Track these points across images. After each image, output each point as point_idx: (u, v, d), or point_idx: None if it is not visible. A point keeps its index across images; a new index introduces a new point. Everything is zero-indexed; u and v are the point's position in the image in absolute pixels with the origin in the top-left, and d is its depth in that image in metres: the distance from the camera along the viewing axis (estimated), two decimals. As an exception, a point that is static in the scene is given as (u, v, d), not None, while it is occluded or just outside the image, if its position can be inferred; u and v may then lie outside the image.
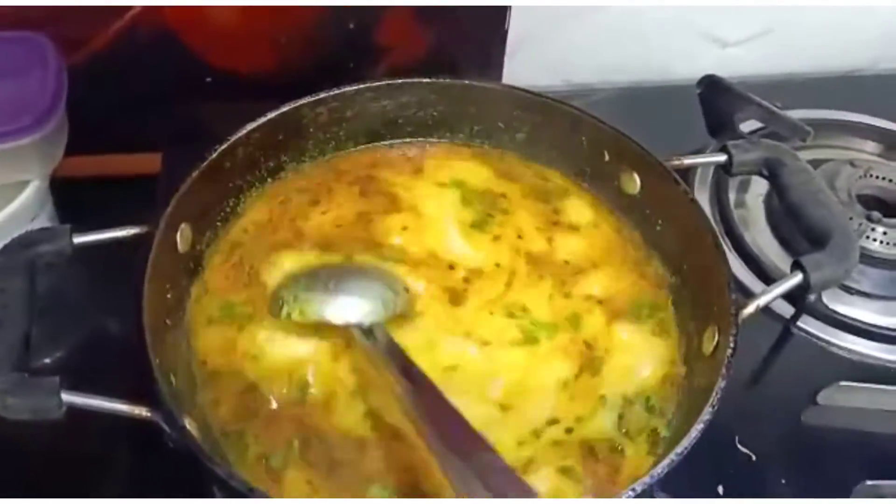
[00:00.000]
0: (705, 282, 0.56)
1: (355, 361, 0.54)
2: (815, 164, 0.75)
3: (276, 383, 0.53)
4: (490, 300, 0.58)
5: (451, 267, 0.60)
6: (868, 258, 0.71)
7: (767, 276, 0.70)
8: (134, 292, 0.50)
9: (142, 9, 0.69)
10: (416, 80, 0.65)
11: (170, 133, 0.72)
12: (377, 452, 0.51)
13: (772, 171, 0.60)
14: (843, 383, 0.66)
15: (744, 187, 0.79)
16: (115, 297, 0.53)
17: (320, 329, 0.55)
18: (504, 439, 0.51)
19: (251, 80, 0.75)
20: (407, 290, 0.58)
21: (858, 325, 0.69)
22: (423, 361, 0.51)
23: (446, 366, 0.54)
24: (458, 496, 0.42)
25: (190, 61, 0.73)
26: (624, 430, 0.52)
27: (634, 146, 0.61)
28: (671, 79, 0.88)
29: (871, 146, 0.84)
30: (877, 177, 0.78)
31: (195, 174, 0.57)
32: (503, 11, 0.77)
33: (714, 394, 0.48)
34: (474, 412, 0.48)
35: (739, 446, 0.61)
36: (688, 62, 0.86)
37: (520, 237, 0.62)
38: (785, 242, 0.74)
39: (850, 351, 0.69)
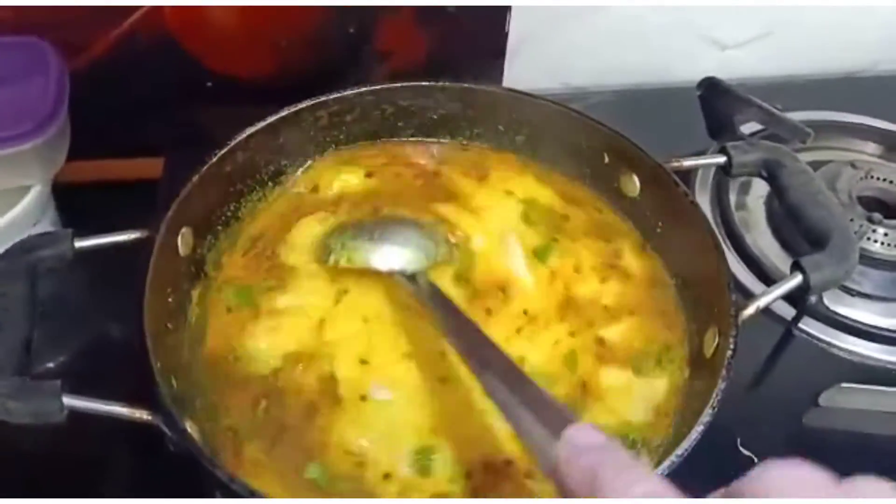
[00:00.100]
0: (706, 284, 0.56)
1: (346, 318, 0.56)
2: (816, 165, 0.75)
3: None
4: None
5: (503, 290, 0.58)
6: (869, 260, 0.71)
7: (769, 278, 0.70)
8: (135, 296, 0.50)
9: (142, 15, 0.69)
10: (416, 83, 0.65)
11: (171, 138, 0.73)
12: (322, 421, 0.51)
13: (771, 173, 0.60)
14: (844, 385, 0.65)
15: (745, 189, 0.79)
16: (116, 301, 0.53)
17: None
18: None
19: (251, 85, 0.75)
20: (448, 241, 0.59)
21: (860, 326, 0.69)
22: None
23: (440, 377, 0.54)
24: (509, 423, 0.42)
25: (190, 66, 0.73)
26: None
27: (634, 148, 0.61)
28: (671, 81, 0.88)
29: (871, 147, 0.84)
30: (877, 178, 0.78)
31: (196, 178, 0.57)
32: (503, 14, 0.77)
33: (714, 395, 0.48)
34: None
35: (741, 448, 0.61)
36: (688, 64, 0.86)
37: (576, 271, 0.60)
38: (786, 244, 0.74)
39: (851, 352, 0.69)
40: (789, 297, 0.60)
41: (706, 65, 0.83)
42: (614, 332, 0.57)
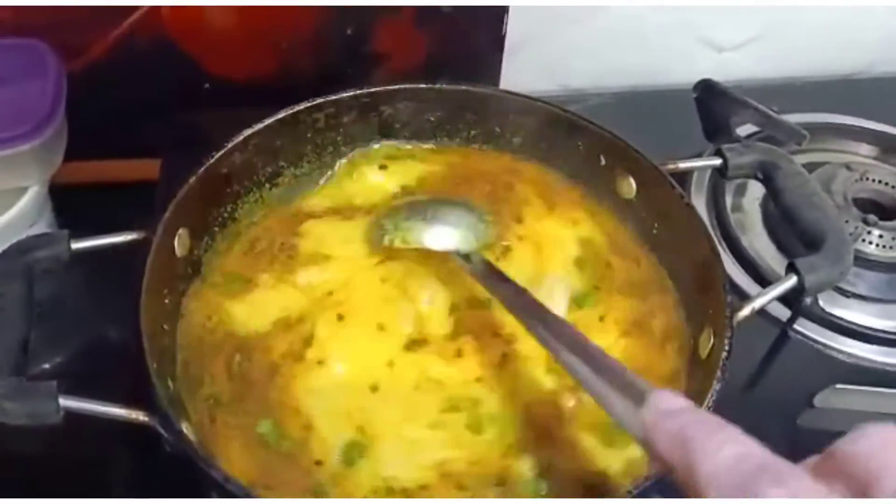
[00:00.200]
0: (701, 285, 0.56)
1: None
2: (812, 167, 0.76)
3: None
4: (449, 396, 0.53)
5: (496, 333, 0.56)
6: (864, 261, 0.71)
7: (764, 280, 0.70)
8: (132, 297, 0.51)
9: (140, 16, 0.70)
10: (413, 85, 0.65)
11: (169, 139, 0.73)
12: (281, 380, 0.53)
13: (766, 175, 0.61)
14: (839, 386, 0.66)
15: (740, 191, 0.79)
16: (113, 302, 0.53)
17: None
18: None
19: (249, 87, 0.75)
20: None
21: (855, 327, 0.69)
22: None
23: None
24: (591, 395, 0.42)
25: (188, 68, 0.73)
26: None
27: (630, 150, 0.61)
28: (668, 83, 0.89)
29: (866, 149, 0.84)
30: (873, 180, 0.78)
31: (193, 180, 0.57)
32: (501, 16, 0.77)
33: (709, 396, 0.49)
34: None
35: (736, 449, 0.61)
36: (684, 66, 0.87)
37: (601, 320, 0.57)
38: (782, 246, 0.74)
39: (846, 354, 0.69)
40: (784, 299, 0.60)
41: (703, 67, 0.84)
42: None
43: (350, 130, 0.65)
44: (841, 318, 0.70)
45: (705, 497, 0.31)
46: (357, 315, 0.56)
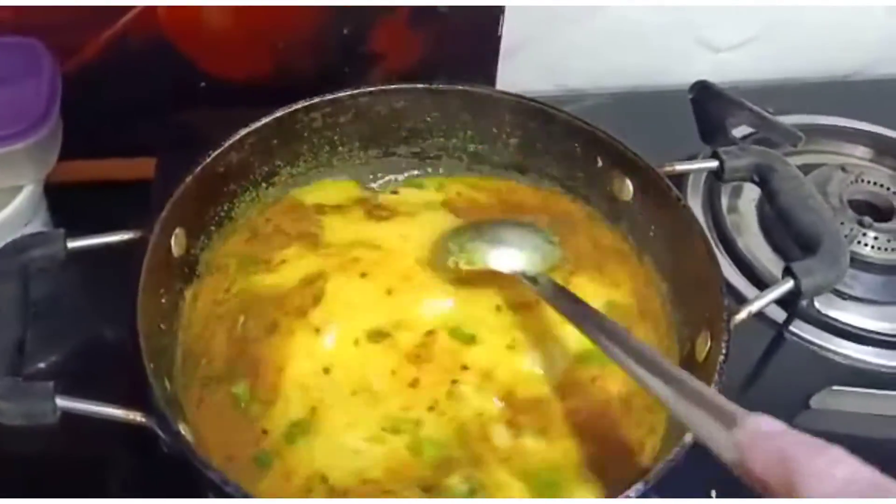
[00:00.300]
0: (698, 288, 0.56)
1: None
2: (807, 169, 0.76)
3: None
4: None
5: (465, 368, 0.55)
6: (860, 263, 0.72)
7: (760, 282, 0.70)
8: (128, 297, 0.50)
9: (135, 16, 0.69)
10: (410, 85, 0.65)
11: (164, 139, 0.72)
12: (277, 338, 0.54)
13: (762, 177, 0.61)
14: (835, 388, 0.66)
15: (736, 193, 0.79)
16: (109, 301, 0.53)
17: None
18: None
19: (245, 86, 0.75)
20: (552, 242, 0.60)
21: (851, 329, 0.69)
22: None
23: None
24: (677, 417, 0.43)
25: (184, 68, 0.73)
26: None
27: (627, 152, 0.61)
28: (664, 84, 0.89)
29: (861, 151, 0.84)
30: (868, 182, 0.78)
31: (189, 179, 0.57)
32: (497, 17, 0.77)
33: (706, 399, 0.49)
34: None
35: (733, 451, 0.61)
36: (681, 67, 0.87)
37: (592, 381, 0.55)
38: (778, 248, 0.74)
39: (842, 355, 0.69)
40: (780, 301, 0.60)
41: (699, 68, 0.84)
42: None
43: (347, 130, 0.65)
44: (837, 320, 0.70)
45: None
46: (377, 278, 0.57)
